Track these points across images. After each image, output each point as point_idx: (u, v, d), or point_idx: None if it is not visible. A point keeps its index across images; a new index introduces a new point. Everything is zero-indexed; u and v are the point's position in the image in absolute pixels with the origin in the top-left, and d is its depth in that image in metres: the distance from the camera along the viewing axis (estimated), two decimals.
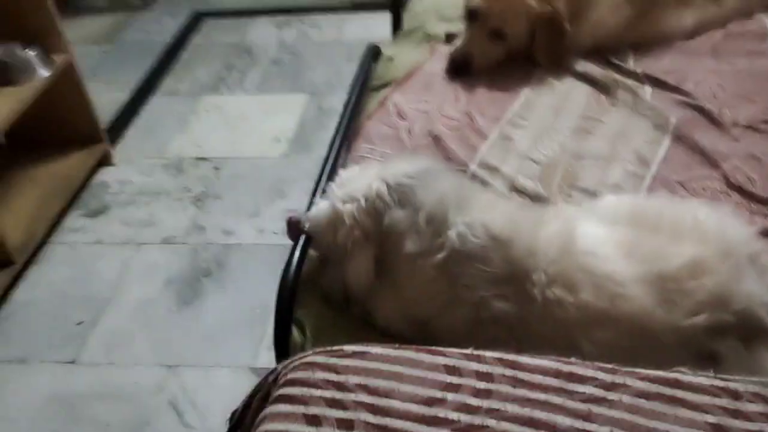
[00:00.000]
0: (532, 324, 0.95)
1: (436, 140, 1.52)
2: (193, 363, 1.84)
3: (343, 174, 1.20)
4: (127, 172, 2.62)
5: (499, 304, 0.96)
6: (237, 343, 1.87)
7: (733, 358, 0.87)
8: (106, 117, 2.90)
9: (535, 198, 1.34)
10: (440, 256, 1.01)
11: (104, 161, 2.62)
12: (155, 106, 3.03)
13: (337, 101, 2.61)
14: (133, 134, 2.84)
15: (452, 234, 1.01)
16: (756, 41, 1.74)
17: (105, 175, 2.60)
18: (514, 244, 0.98)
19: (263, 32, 3.58)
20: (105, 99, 3.01)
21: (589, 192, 1.33)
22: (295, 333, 1.16)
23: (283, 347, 1.12)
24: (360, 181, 1.11)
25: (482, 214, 1.02)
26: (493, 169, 1.42)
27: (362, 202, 1.06)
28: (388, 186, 1.07)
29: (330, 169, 1.40)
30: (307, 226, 1.15)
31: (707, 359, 0.87)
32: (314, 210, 1.15)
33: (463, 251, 0.99)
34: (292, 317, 1.15)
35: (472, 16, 1.75)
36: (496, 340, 0.94)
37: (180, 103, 3.02)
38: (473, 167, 1.43)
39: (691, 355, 0.87)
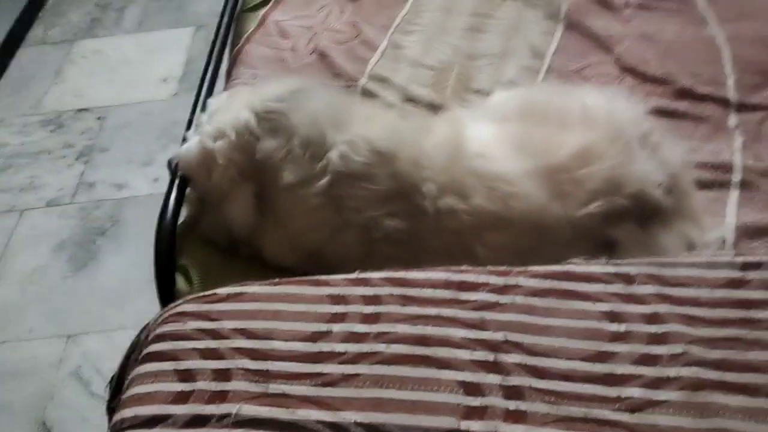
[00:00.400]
0: (426, 238, 0.89)
1: (322, 57, 1.43)
2: (94, 329, 1.71)
3: (211, 104, 1.11)
4: (0, 133, 2.38)
5: (391, 222, 0.90)
6: (140, 301, 1.74)
7: (630, 242, 0.84)
8: None
9: (430, 106, 1.26)
10: (323, 181, 0.93)
11: None
12: (25, 57, 2.74)
13: None
14: (3, 92, 2.58)
15: (333, 156, 0.93)
16: None
17: None
18: (399, 157, 0.92)
19: None
20: None
21: (484, 93, 1.27)
22: (182, 282, 1.06)
23: (167, 299, 1.03)
24: (230, 111, 1.02)
25: (363, 129, 0.94)
26: (384, 81, 1.34)
27: (232, 136, 0.97)
28: (257, 115, 0.98)
29: (203, 101, 1.28)
30: (178, 167, 1.05)
31: (606, 248, 0.84)
32: (184, 149, 1.05)
33: (346, 172, 0.92)
34: (175, 265, 1.06)
35: None
36: (390, 260, 0.87)
37: (52, 52, 2.75)
38: (363, 81, 1.35)
39: (589, 245, 0.83)
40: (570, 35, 1.37)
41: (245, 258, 1.05)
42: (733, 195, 1.04)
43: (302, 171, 0.94)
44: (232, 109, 1.03)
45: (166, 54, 2.67)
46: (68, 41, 2.80)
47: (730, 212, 1.00)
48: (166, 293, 1.05)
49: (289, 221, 0.97)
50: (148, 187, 2.11)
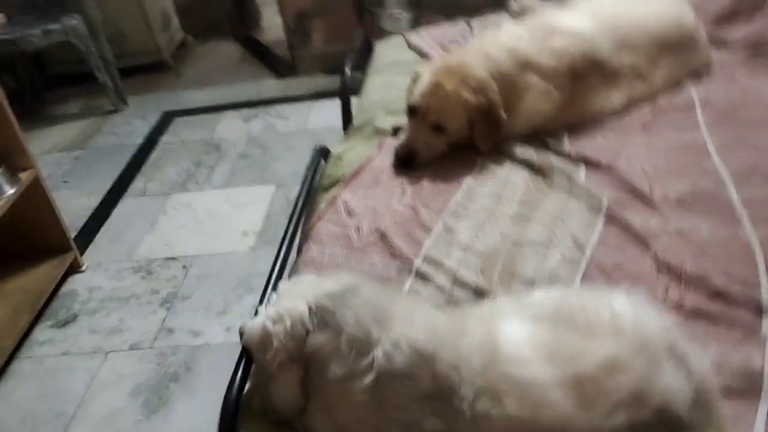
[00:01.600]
0: None
1: (383, 237, 1.55)
2: None
3: (280, 287, 1.22)
4: (96, 278, 2.64)
5: (431, 421, 0.96)
6: None
7: None
8: (77, 223, 2.95)
9: (476, 291, 1.36)
10: (368, 379, 1.00)
11: (73, 269, 2.65)
12: (125, 208, 3.08)
13: None
14: (102, 239, 2.88)
15: (378, 354, 1.01)
16: (683, 113, 1.81)
17: (74, 282, 2.63)
18: (439, 358, 0.98)
19: (231, 126, 3.69)
20: (75, 205, 3.08)
21: (528, 281, 1.36)
22: None
23: None
24: (291, 297, 1.12)
25: (405, 329, 1.02)
26: (436, 264, 1.44)
27: (288, 324, 1.07)
28: (310, 309, 1.08)
29: (276, 278, 1.43)
30: (242, 340, 1.17)
31: None
32: (249, 324, 1.16)
33: (391, 371, 0.99)
34: None
35: (412, 111, 1.82)
36: None
37: (149, 203, 3.08)
38: (418, 262, 1.45)
39: None
40: (610, 229, 1.46)
41: None
42: (763, 408, 1.05)
43: (348, 367, 1.02)
44: (294, 295, 1.14)
45: (248, 209, 2.94)
46: (164, 194, 3.13)
47: (759, 426, 1.01)
48: None
49: (336, 413, 1.04)
50: (222, 336, 2.27)
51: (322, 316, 1.07)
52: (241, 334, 1.24)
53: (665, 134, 1.75)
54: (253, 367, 1.21)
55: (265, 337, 1.09)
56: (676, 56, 1.97)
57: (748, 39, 2.13)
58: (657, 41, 1.94)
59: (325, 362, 1.04)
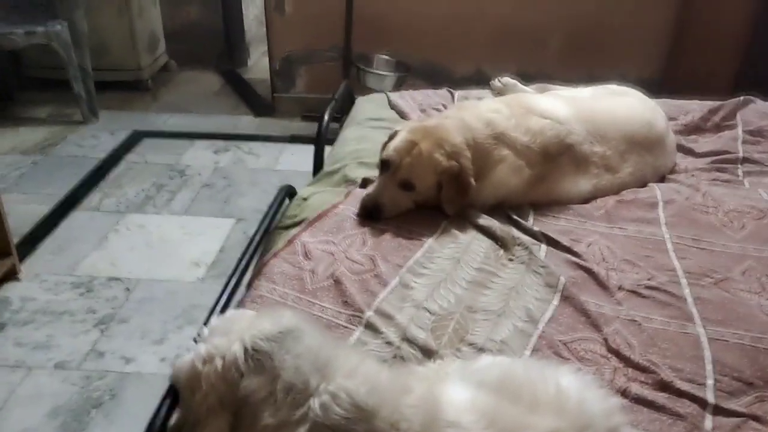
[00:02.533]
0: None
1: (337, 283, 1.53)
2: None
3: (213, 323, 1.15)
4: (32, 288, 2.52)
5: None
6: None
7: None
8: (22, 230, 2.84)
9: (425, 350, 1.34)
10: (301, 430, 0.95)
11: (10, 276, 2.53)
12: (76, 221, 2.99)
13: None
14: (46, 249, 2.77)
15: (314, 404, 0.96)
16: (646, 209, 1.85)
17: (8, 290, 2.51)
18: (378, 415, 0.95)
19: (199, 155, 3.66)
20: (25, 210, 2.98)
21: (477, 347, 1.34)
22: None
23: None
24: (226, 336, 1.06)
25: (346, 380, 0.98)
26: (387, 317, 1.42)
27: (219, 366, 1.01)
28: (245, 350, 1.02)
29: (220, 311, 1.39)
30: (171, 378, 1.10)
31: None
32: (179, 361, 1.09)
33: (325, 423, 0.95)
34: None
35: (384, 166, 1.83)
36: None
37: (102, 219, 2.99)
38: (369, 313, 1.43)
39: None
40: (564, 307, 1.46)
41: None
42: None
43: (282, 415, 0.97)
44: (229, 334, 1.07)
45: (204, 239, 2.87)
46: (119, 212, 3.05)
47: None
48: None
49: None
50: (155, 366, 2.18)
51: (258, 359, 1.01)
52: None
53: (627, 226, 1.79)
54: (178, 406, 1.15)
55: (194, 377, 1.02)
56: (644, 155, 2.04)
57: (713, 151, 2.23)
58: (628, 137, 2.01)
59: (258, 408, 0.98)
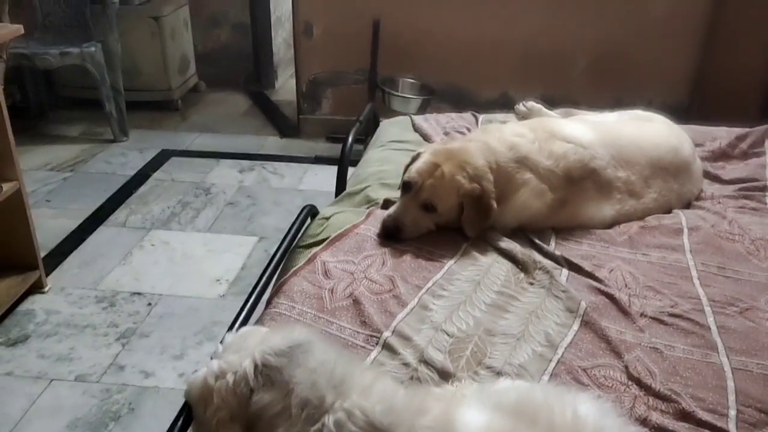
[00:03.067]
0: None
1: (356, 303, 1.53)
2: None
3: (227, 339, 1.16)
4: (56, 301, 2.56)
5: None
6: None
7: None
8: (49, 244, 2.89)
9: (442, 373, 1.32)
10: None
11: (35, 288, 2.57)
12: (102, 236, 3.04)
13: None
14: (72, 263, 2.82)
15: (329, 421, 0.96)
16: (670, 235, 1.83)
17: (34, 302, 2.55)
18: None
19: (225, 174, 3.70)
20: (53, 225, 3.03)
21: (495, 371, 1.33)
22: None
23: None
24: (239, 352, 1.07)
25: (361, 398, 0.98)
26: (406, 338, 1.41)
27: (230, 381, 1.02)
28: (255, 366, 1.03)
29: (239, 327, 1.39)
30: (185, 393, 1.11)
31: None
32: (193, 377, 1.10)
33: None
34: None
35: (406, 187, 1.83)
36: None
37: (127, 235, 3.04)
38: (387, 334, 1.43)
39: None
40: (585, 332, 1.44)
41: None
42: None
43: (296, 431, 0.97)
44: (241, 350, 1.08)
45: (226, 257, 2.90)
46: (144, 228, 3.10)
47: None
48: None
49: None
50: (173, 381, 2.19)
51: (267, 374, 1.02)
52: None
53: (650, 252, 1.76)
54: (193, 422, 1.16)
55: (206, 392, 1.04)
56: (669, 181, 2.01)
57: (740, 179, 2.20)
58: (653, 163, 2.00)
59: (273, 424, 0.98)
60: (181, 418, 1.13)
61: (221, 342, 1.16)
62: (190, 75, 4.83)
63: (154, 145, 4.02)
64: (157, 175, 3.66)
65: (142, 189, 3.49)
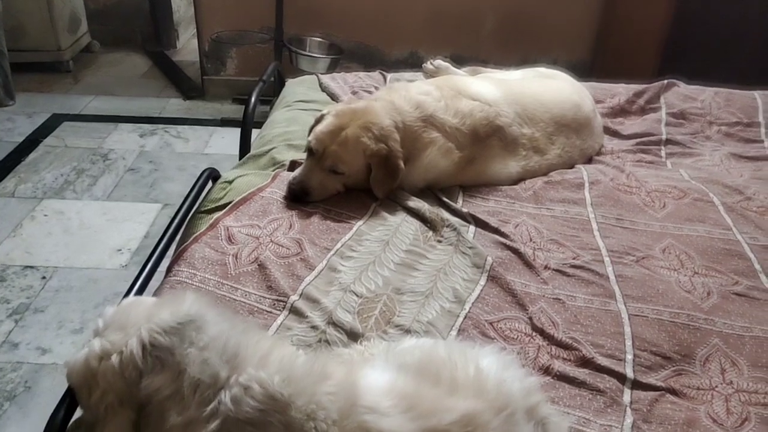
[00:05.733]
0: None
1: (261, 267, 1.48)
2: None
3: (107, 314, 1.04)
4: None
5: None
6: None
7: None
8: None
9: (351, 334, 1.31)
10: (212, 426, 0.89)
11: None
12: None
13: None
14: None
15: (225, 398, 0.90)
16: (572, 190, 1.87)
17: None
18: (294, 405, 0.90)
19: (124, 139, 3.51)
20: None
21: (404, 329, 1.33)
22: None
23: None
24: (123, 328, 0.97)
25: (258, 369, 0.93)
26: (314, 301, 1.39)
27: (116, 363, 0.93)
28: (143, 347, 0.94)
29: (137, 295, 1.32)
30: (66, 377, 1.01)
31: None
32: (72, 361, 0.99)
33: (239, 418, 0.89)
34: None
35: (311, 151, 1.79)
36: None
37: (17, 205, 2.84)
38: (294, 298, 1.40)
39: None
40: (491, 286, 1.46)
41: None
42: None
43: (190, 413, 0.91)
44: (126, 326, 0.98)
45: (128, 225, 2.76)
46: (36, 198, 2.90)
47: None
48: None
49: None
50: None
51: (157, 356, 0.94)
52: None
53: (554, 206, 1.80)
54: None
55: (89, 375, 0.94)
56: (572, 137, 2.06)
57: (638, 134, 2.28)
58: (556, 120, 2.03)
59: (164, 407, 0.91)
60: (64, 405, 1.05)
61: (100, 317, 1.04)
62: (81, 34, 4.51)
63: (44, 110, 3.75)
64: (48, 141, 3.42)
65: (32, 156, 3.25)
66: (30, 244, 2.59)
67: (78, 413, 1.09)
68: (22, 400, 1.92)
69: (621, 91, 2.50)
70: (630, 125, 2.35)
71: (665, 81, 2.50)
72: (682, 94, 2.46)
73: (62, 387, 1.90)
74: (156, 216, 2.83)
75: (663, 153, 2.19)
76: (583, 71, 2.75)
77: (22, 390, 1.95)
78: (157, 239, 2.59)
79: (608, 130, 2.29)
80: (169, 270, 1.52)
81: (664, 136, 2.25)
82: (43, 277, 2.41)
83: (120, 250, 2.59)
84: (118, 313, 1.04)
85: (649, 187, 1.89)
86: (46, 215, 2.78)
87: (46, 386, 1.97)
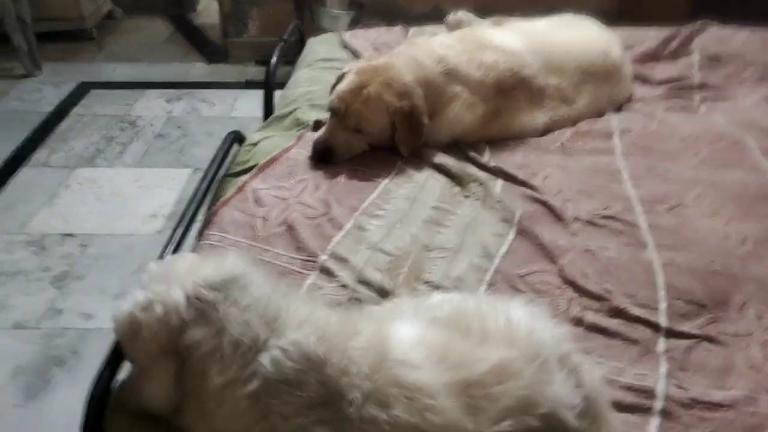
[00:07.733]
0: None
1: (290, 229, 1.50)
2: None
3: (152, 269, 1.07)
4: None
5: (318, 430, 0.89)
6: None
7: None
8: None
9: (381, 291, 1.32)
10: (252, 386, 0.92)
11: None
12: (24, 177, 2.88)
13: None
14: None
15: (265, 360, 0.92)
16: (601, 139, 1.84)
17: None
18: (328, 363, 0.92)
19: (151, 105, 3.53)
20: None
21: (434, 285, 1.34)
22: None
23: None
24: (167, 281, 1.00)
25: (296, 332, 0.94)
26: (342, 260, 1.40)
27: (160, 313, 0.95)
28: (188, 299, 0.96)
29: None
30: (113, 329, 1.04)
31: None
32: (118, 311, 1.02)
33: (278, 379, 0.91)
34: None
35: (333, 111, 1.78)
36: None
37: (51, 175, 2.89)
38: (323, 258, 1.41)
39: None
40: (520, 240, 1.46)
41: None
42: (654, 423, 1.07)
43: (231, 373, 0.93)
44: (169, 279, 1.01)
45: (160, 191, 2.80)
46: (68, 167, 2.95)
47: None
48: None
49: (216, 420, 0.95)
50: None
51: (200, 308, 0.96)
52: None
53: (582, 157, 1.78)
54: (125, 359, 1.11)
55: (134, 326, 0.97)
56: (600, 85, 2.01)
57: (670, 79, 2.21)
58: (583, 68, 1.98)
59: (204, 363, 0.94)
60: (111, 359, 1.09)
61: (146, 272, 1.08)
62: (103, 1, 4.50)
63: (70, 79, 3.78)
64: (76, 110, 3.46)
65: (62, 126, 3.30)
66: (66, 213, 2.65)
67: (123, 374, 1.12)
68: (70, 365, 1.99)
69: (651, 36, 2.42)
70: (661, 71, 2.27)
71: (698, 23, 2.41)
72: (716, 36, 2.37)
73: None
74: (187, 181, 2.86)
75: (696, 98, 2.12)
76: (611, 18, 2.66)
77: (70, 355, 2.02)
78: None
79: (638, 77, 2.22)
80: (200, 234, 1.54)
81: (697, 81, 2.18)
82: (81, 245, 2.46)
83: (154, 215, 2.64)
84: (162, 267, 1.07)
85: (682, 134, 1.85)
86: (79, 183, 2.84)
87: (92, 351, 2.03)
